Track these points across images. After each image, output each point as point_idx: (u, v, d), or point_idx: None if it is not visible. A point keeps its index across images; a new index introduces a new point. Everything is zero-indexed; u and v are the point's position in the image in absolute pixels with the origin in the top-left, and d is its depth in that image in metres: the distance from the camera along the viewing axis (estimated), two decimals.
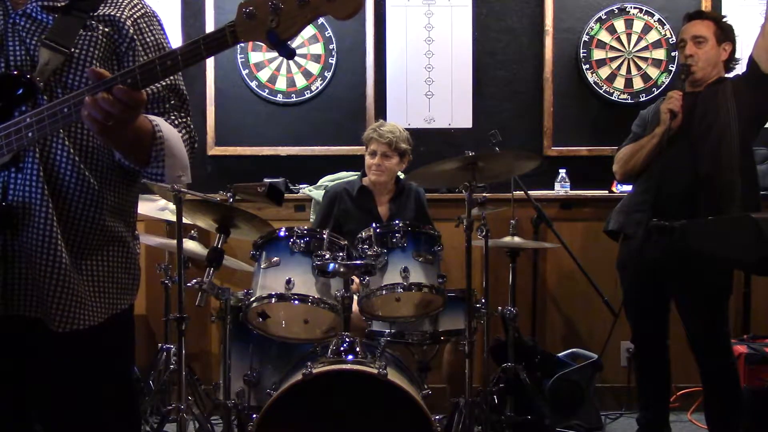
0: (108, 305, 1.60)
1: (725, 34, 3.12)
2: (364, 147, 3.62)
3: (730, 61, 3.17)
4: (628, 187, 3.50)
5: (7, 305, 1.51)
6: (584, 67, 4.28)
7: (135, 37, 1.61)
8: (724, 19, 3.21)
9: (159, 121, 1.54)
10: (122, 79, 1.36)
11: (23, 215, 1.50)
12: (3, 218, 1.49)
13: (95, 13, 1.58)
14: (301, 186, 4.16)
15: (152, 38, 1.65)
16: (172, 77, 1.62)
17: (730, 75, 3.21)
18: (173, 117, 1.64)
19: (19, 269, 1.51)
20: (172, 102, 1.65)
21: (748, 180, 3.07)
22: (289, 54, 1.36)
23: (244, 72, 4.26)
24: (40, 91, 1.50)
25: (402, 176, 3.73)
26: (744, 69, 3.15)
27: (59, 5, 1.56)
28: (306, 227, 2.98)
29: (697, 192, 3.02)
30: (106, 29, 1.59)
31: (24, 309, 1.52)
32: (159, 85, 1.61)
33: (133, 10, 1.63)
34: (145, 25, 1.64)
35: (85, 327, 1.54)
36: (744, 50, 3.23)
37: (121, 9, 1.62)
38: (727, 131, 3.03)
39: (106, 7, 1.60)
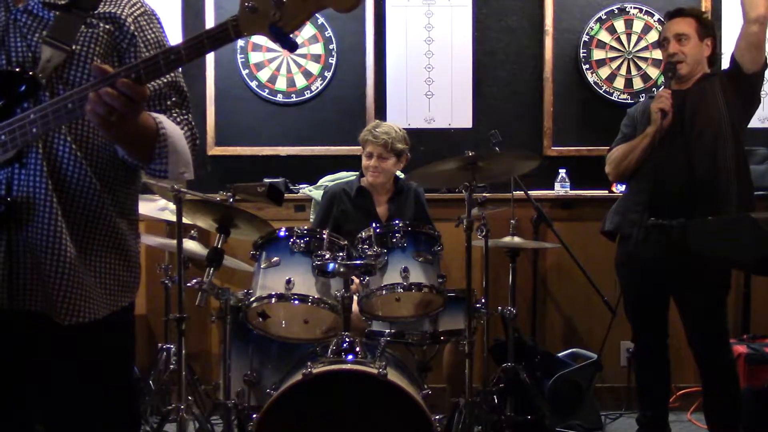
0: (110, 301, 1.61)
1: (706, 29, 3.13)
2: (361, 148, 3.61)
3: (713, 56, 3.19)
4: None
5: (13, 300, 1.52)
6: (584, 67, 4.28)
7: (136, 34, 1.62)
8: (705, 15, 3.24)
9: (162, 119, 1.55)
10: (126, 73, 1.37)
11: (28, 210, 1.51)
12: (8, 213, 1.49)
13: (96, 11, 1.58)
14: (301, 186, 4.16)
15: (153, 36, 1.65)
16: (172, 74, 1.63)
17: (714, 70, 3.23)
18: (175, 114, 1.65)
19: (25, 264, 1.52)
20: (174, 99, 1.65)
21: (742, 177, 3.08)
22: (292, 47, 1.36)
23: (244, 72, 4.26)
24: (42, 88, 1.51)
25: (401, 176, 3.73)
26: (727, 65, 3.17)
27: (60, 2, 1.56)
28: (306, 227, 2.98)
29: (692, 191, 3.03)
30: (107, 26, 1.59)
31: (29, 303, 1.53)
32: (161, 82, 1.62)
33: (133, 8, 1.64)
34: (145, 23, 1.65)
35: (90, 320, 1.55)
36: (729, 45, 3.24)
37: (121, 7, 1.62)
38: (720, 129, 3.04)
39: (107, 5, 1.61)
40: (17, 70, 1.51)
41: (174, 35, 4.07)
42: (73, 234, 1.54)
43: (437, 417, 2.58)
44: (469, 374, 2.88)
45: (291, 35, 1.34)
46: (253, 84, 4.26)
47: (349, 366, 2.58)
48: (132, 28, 1.62)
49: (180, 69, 1.64)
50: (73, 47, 1.54)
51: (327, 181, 4.09)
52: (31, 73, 1.50)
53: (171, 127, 1.56)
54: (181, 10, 4.23)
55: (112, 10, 1.61)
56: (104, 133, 1.50)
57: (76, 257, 1.54)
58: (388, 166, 3.54)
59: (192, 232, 3.54)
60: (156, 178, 1.59)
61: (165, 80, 1.62)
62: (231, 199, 2.93)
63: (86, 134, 1.56)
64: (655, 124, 3.05)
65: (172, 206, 3.18)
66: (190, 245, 3.42)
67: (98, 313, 1.57)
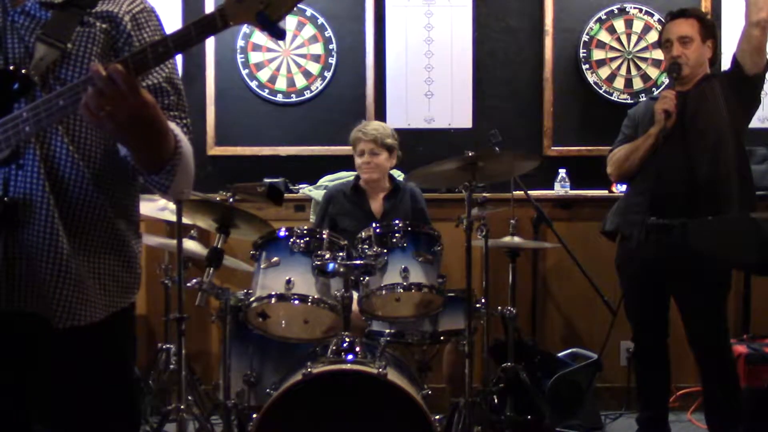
0: (109, 302, 1.60)
1: (708, 31, 3.15)
2: (352, 149, 3.61)
3: (713, 57, 3.20)
4: None
5: (10, 301, 1.51)
6: (584, 67, 4.28)
7: (132, 33, 1.60)
8: (707, 17, 3.27)
9: (180, 134, 1.53)
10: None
11: (25, 211, 1.50)
12: (5, 214, 1.49)
13: (93, 10, 1.58)
14: (301, 186, 4.17)
15: (149, 34, 1.63)
16: (168, 70, 1.62)
17: (715, 71, 3.24)
18: (176, 119, 1.63)
19: (21, 265, 1.51)
20: (172, 98, 1.64)
21: (744, 178, 3.08)
22: (280, 35, 1.35)
23: (244, 72, 4.26)
24: (37, 86, 1.50)
25: (401, 176, 3.73)
26: (728, 65, 3.18)
27: (57, 2, 1.55)
28: (306, 227, 2.98)
29: (694, 191, 3.04)
30: (104, 25, 1.58)
31: (26, 305, 1.52)
32: (159, 77, 1.61)
33: (131, 6, 1.63)
34: (143, 20, 1.64)
35: (85, 323, 1.54)
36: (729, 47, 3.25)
37: (119, 5, 1.61)
38: (721, 130, 3.05)
39: (105, 4, 1.60)
40: (11, 68, 1.50)
41: None
42: (71, 235, 1.53)
43: (437, 417, 2.58)
44: (469, 374, 2.88)
45: (279, 23, 1.33)
46: (253, 84, 4.26)
47: (349, 366, 2.58)
48: (128, 27, 1.60)
49: (177, 65, 1.64)
50: (68, 46, 1.53)
51: (327, 181, 4.09)
52: (24, 71, 1.49)
53: (187, 147, 1.55)
54: (182, 11, 4.23)
55: (110, 9, 1.60)
56: (95, 126, 1.48)
57: (74, 259, 1.53)
58: (381, 161, 3.55)
59: (192, 232, 3.54)
60: (155, 189, 1.57)
61: (163, 75, 1.61)
62: (231, 199, 2.93)
63: (82, 134, 1.55)
64: (658, 125, 3.06)
65: (172, 206, 3.18)
66: (190, 245, 3.42)
67: (96, 315, 1.56)
